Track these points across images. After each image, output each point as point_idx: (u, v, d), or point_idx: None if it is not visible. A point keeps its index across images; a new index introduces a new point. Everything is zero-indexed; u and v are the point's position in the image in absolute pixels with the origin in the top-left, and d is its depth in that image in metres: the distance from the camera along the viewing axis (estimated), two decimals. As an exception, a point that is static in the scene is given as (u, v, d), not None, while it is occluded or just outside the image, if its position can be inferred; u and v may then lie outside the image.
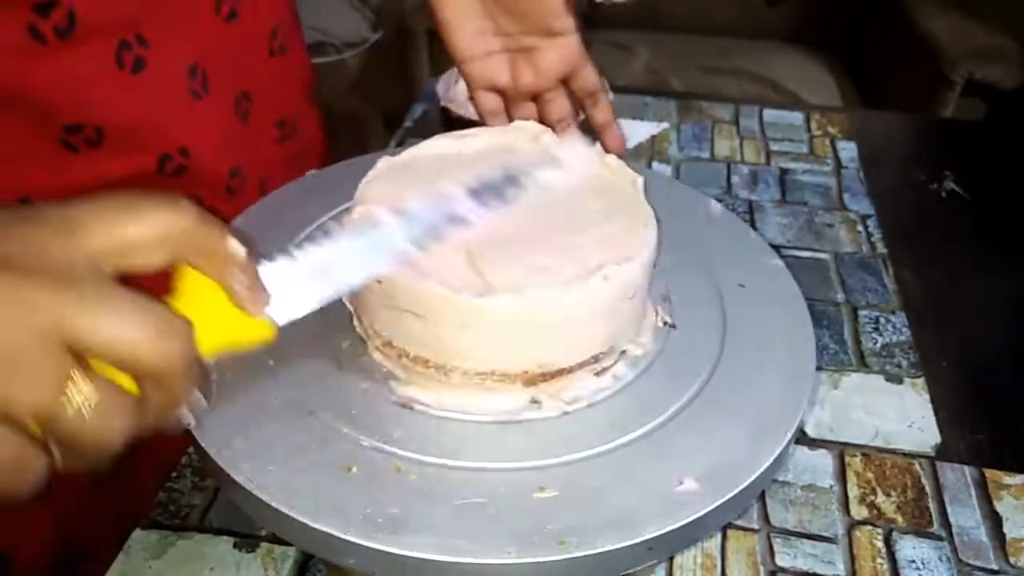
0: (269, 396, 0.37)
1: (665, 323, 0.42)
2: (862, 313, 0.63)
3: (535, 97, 0.53)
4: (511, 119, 0.53)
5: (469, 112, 0.69)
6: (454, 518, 0.32)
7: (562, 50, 0.51)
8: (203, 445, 0.34)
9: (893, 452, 0.52)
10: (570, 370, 0.38)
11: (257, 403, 0.36)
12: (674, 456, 0.35)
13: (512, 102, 0.54)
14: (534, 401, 0.37)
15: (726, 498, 0.33)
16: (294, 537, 0.33)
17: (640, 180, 0.43)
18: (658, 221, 0.40)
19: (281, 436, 0.35)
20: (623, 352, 0.40)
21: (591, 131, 0.53)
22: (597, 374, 0.39)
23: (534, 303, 0.35)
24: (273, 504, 0.32)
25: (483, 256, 0.37)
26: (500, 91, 0.53)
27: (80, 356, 0.24)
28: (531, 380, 0.37)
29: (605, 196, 0.42)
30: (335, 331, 0.40)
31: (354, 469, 0.34)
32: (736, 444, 0.35)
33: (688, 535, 0.33)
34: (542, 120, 0.52)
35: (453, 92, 0.72)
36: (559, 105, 0.53)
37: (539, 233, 0.39)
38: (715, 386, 0.38)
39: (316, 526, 0.31)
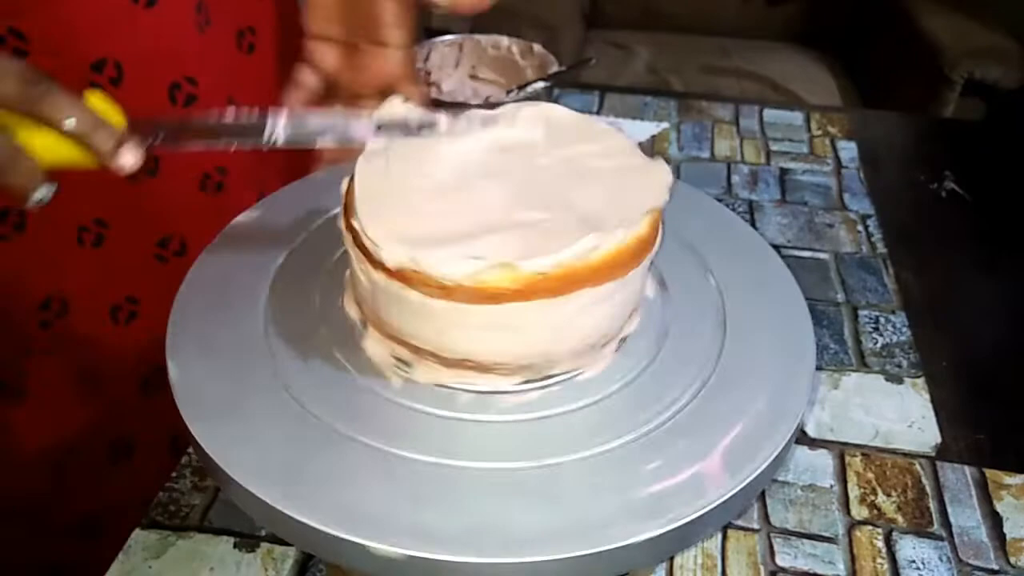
0: (269, 396, 0.37)
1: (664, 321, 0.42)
2: (862, 313, 0.63)
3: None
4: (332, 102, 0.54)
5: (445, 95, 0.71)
6: (454, 517, 0.32)
7: (383, 63, 0.51)
8: (203, 445, 0.34)
9: (893, 452, 0.52)
10: (568, 366, 0.38)
11: (257, 403, 0.36)
12: (673, 455, 0.35)
13: (332, 92, 0.55)
14: (533, 396, 0.37)
15: (726, 497, 0.33)
16: (294, 537, 0.33)
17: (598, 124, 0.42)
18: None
19: (281, 436, 0.35)
20: (622, 342, 0.40)
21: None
22: (594, 371, 0.39)
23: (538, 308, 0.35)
24: (273, 504, 0.32)
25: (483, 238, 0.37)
26: (329, 77, 0.54)
27: None
28: (530, 374, 0.38)
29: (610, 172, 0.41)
30: (334, 328, 0.40)
31: (355, 469, 0.34)
32: (736, 443, 0.35)
33: (688, 535, 0.33)
34: None
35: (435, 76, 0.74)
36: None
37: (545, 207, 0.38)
38: (715, 385, 0.38)
39: (316, 526, 0.31)
